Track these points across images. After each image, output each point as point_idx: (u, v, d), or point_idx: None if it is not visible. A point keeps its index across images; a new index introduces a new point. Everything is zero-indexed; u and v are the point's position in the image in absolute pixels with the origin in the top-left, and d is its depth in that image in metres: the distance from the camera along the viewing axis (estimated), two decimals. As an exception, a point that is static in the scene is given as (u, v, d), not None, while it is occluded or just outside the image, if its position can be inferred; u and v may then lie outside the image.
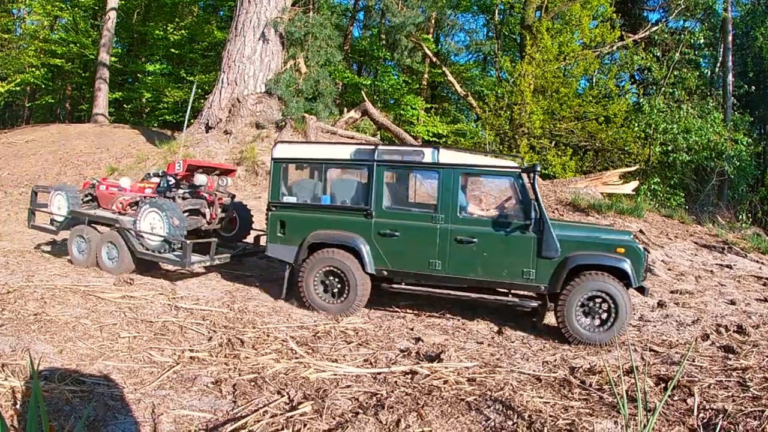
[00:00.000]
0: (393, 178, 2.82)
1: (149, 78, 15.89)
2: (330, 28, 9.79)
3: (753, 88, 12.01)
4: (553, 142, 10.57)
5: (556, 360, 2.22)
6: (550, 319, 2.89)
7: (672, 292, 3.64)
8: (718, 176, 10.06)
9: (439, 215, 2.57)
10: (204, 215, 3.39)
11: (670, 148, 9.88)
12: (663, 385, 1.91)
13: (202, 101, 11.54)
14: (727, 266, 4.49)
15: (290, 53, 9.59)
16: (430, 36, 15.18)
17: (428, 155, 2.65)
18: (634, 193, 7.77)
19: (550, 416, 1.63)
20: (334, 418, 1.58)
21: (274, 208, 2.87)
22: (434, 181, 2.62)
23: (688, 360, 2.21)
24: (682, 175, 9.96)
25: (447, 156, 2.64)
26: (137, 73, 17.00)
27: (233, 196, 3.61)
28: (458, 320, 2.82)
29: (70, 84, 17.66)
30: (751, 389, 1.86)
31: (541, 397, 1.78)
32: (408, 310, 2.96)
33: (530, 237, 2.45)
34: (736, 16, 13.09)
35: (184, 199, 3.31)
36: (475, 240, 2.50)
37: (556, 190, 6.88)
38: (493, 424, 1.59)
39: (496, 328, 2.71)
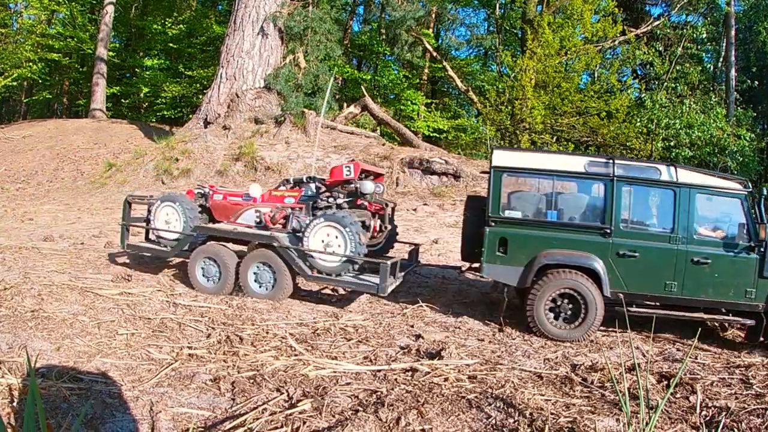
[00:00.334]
0: (630, 194, 2.61)
1: (147, 73, 15.80)
2: (329, 22, 9.70)
3: (756, 83, 11.92)
4: (555, 138, 10.51)
5: (557, 357, 2.20)
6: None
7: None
8: (721, 172, 10.01)
9: (677, 236, 2.50)
10: (368, 228, 2.91)
11: (672, 143, 9.83)
12: (665, 382, 1.90)
13: (200, 96, 11.48)
14: None
15: (289, 48, 9.52)
16: (430, 31, 15.06)
17: (665, 173, 2.56)
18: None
19: (552, 414, 1.61)
20: (333, 416, 1.56)
21: (493, 224, 2.61)
22: (670, 199, 2.53)
23: (690, 357, 2.20)
24: (685, 170, 9.91)
25: (684, 174, 2.57)
26: (135, 67, 16.91)
27: (394, 206, 3.07)
28: (459, 317, 2.80)
29: (67, 79, 17.57)
30: (754, 387, 1.85)
31: (543, 395, 1.76)
32: (408, 306, 2.94)
33: (754, 258, 2.46)
34: (739, 11, 12.95)
35: (340, 209, 2.83)
36: (708, 261, 2.47)
37: (557, 186, 6.82)
38: (494, 421, 1.57)
39: (497, 326, 2.70)
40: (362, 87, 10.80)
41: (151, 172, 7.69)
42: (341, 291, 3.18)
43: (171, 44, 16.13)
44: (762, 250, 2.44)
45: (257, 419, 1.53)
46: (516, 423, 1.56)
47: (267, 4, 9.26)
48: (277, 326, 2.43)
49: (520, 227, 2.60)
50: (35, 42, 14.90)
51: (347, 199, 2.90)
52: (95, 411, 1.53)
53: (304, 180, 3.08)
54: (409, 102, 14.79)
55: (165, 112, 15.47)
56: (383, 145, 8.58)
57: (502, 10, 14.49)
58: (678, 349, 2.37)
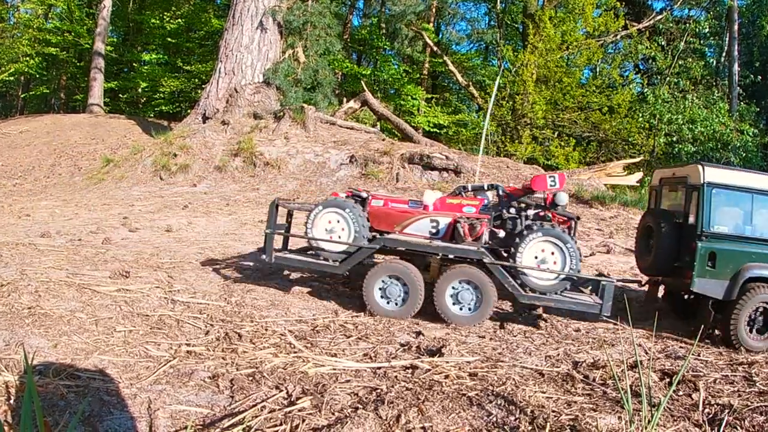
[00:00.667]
0: None
1: (145, 67, 15.71)
2: (329, 16, 9.62)
3: (759, 77, 11.84)
4: (556, 133, 10.47)
5: (558, 354, 2.19)
6: (549, 313, 2.85)
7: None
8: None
9: None
10: None
11: (675, 138, 9.79)
12: (668, 379, 1.89)
13: (199, 91, 11.40)
14: None
15: (289, 42, 9.44)
16: (430, 25, 14.94)
17: None
18: (638, 184, 7.72)
19: (553, 411, 1.60)
20: (333, 414, 1.55)
21: (704, 238, 2.60)
22: None
23: (693, 354, 2.18)
24: (687, 166, 9.90)
25: None
26: (133, 62, 16.79)
27: (578, 218, 2.82)
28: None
29: (64, 74, 17.47)
30: (757, 384, 1.84)
31: (544, 392, 1.75)
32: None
33: None
34: (741, 5, 12.83)
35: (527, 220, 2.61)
36: None
37: (558, 182, 6.78)
38: (495, 419, 1.56)
39: (497, 323, 2.69)
40: (362, 82, 10.72)
41: (149, 167, 7.65)
42: (341, 288, 3.16)
43: (169, 39, 16.01)
44: None
45: (256, 417, 1.52)
46: (517, 421, 1.55)
47: (266, -2, 9.17)
48: (277, 323, 2.42)
49: (727, 242, 2.62)
50: (32, 36, 14.79)
51: (536, 211, 2.68)
52: (93, 409, 1.52)
53: (485, 188, 2.82)
54: (410, 97, 14.71)
55: (163, 107, 15.40)
56: (383, 140, 8.54)
57: (503, 5, 14.36)
58: (680, 346, 2.36)
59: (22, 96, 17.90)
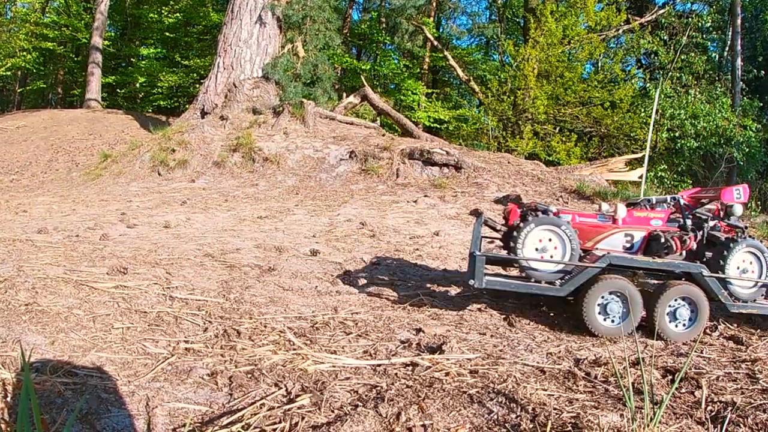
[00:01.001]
0: None
1: (143, 62, 15.62)
2: (329, 11, 9.54)
3: (762, 72, 11.77)
4: (558, 128, 10.42)
5: (560, 352, 2.17)
6: (550, 311, 2.84)
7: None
8: (727, 163, 9.96)
9: None
10: None
11: (677, 134, 9.75)
12: (670, 377, 1.87)
13: (197, 86, 11.32)
14: None
15: (288, 37, 9.37)
16: (431, 19, 14.82)
17: None
18: (640, 180, 7.70)
19: (554, 409, 1.58)
20: (332, 411, 1.54)
21: None
22: None
23: (695, 351, 2.17)
24: (690, 161, 9.88)
25: None
26: (131, 57, 16.69)
27: (746, 228, 2.72)
28: (460, 311, 2.77)
29: (62, 68, 17.38)
30: (760, 381, 1.82)
31: (545, 390, 1.73)
32: (408, 299, 2.91)
33: None
34: (745, -1, 12.71)
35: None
36: None
37: (560, 177, 6.78)
38: (495, 417, 1.54)
39: (499, 319, 2.67)
40: (362, 77, 10.65)
41: (147, 163, 7.61)
42: (340, 284, 3.15)
43: (167, 33, 15.91)
44: None
45: (255, 414, 1.50)
46: (518, 418, 1.53)
47: (265, -8, 9.08)
48: (276, 320, 2.40)
49: None
50: (29, 31, 14.71)
51: (716, 222, 2.63)
52: (90, 406, 1.51)
53: (668, 200, 2.73)
54: (410, 92, 14.64)
55: (161, 102, 15.34)
56: (383, 135, 8.49)
57: (505, -1, 14.23)
58: (683, 343, 2.34)
59: (18, 91, 17.81)
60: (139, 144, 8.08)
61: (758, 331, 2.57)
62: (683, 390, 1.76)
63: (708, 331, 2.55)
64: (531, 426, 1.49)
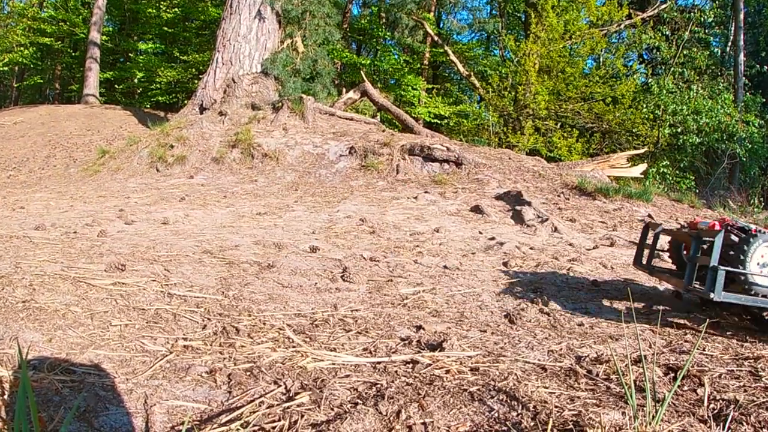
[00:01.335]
0: None
1: (141, 57, 15.53)
2: (328, 5, 9.46)
3: (765, 67, 11.68)
4: (559, 124, 10.38)
5: (561, 349, 2.16)
6: (551, 307, 2.83)
7: (678, 277, 3.56)
8: (729, 159, 9.92)
9: None
10: None
11: (679, 129, 9.71)
12: (672, 374, 1.86)
13: (196, 81, 11.24)
14: None
15: (287, 32, 9.31)
16: (431, 14, 14.72)
17: None
18: (642, 176, 7.67)
19: (556, 407, 1.57)
20: (332, 409, 1.52)
21: None
22: None
23: (698, 349, 2.15)
24: (692, 157, 9.83)
25: None
26: (129, 52, 16.59)
27: None
28: (461, 308, 2.76)
29: (59, 64, 17.28)
30: (763, 379, 1.81)
31: (547, 387, 1.72)
32: (409, 296, 2.90)
33: None
34: (748, -6, 12.60)
35: None
36: None
37: (561, 173, 6.75)
38: (496, 414, 1.53)
39: (500, 317, 2.66)
40: (362, 72, 10.57)
41: (146, 159, 7.58)
42: (340, 281, 3.13)
43: (166, 28, 15.80)
44: None
45: (254, 412, 1.49)
46: (519, 416, 1.52)
47: (264, -14, 8.99)
48: (275, 317, 2.38)
49: None
50: (26, 26, 14.60)
51: None
52: (88, 404, 1.49)
53: None
54: (410, 87, 14.57)
55: (160, 98, 15.27)
56: (383, 131, 8.45)
57: (506, -7, 14.11)
58: (686, 341, 2.33)
59: (16, 86, 17.72)
60: (137, 140, 8.03)
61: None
62: (685, 388, 1.75)
63: (711, 327, 2.53)
64: (532, 424, 1.48)
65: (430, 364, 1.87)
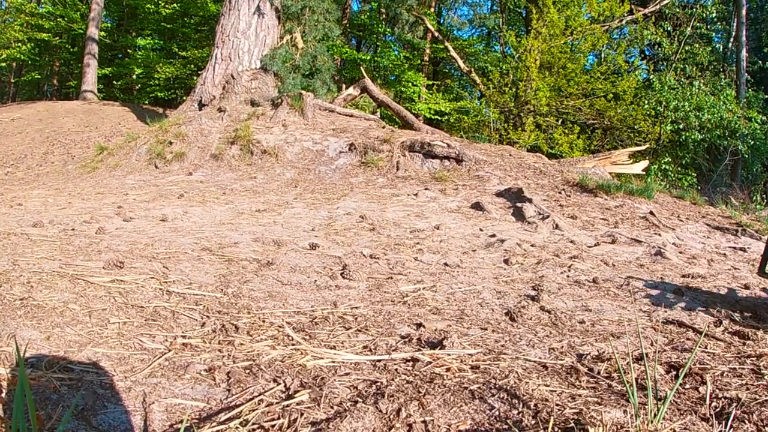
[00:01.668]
0: None
1: (140, 53, 15.44)
2: (328, 1, 9.39)
3: (767, 64, 11.60)
4: (560, 120, 10.33)
5: (562, 347, 2.15)
6: (552, 305, 2.81)
7: (683, 276, 3.56)
8: (732, 155, 9.88)
9: None
10: None
11: (681, 126, 9.67)
12: (674, 372, 1.85)
13: (194, 78, 11.18)
14: (740, 249, 4.41)
15: (287, 28, 9.24)
16: (431, 10, 14.63)
17: None
18: (644, 173, 7.64)
19: (557, 405, 1.56)
20: (332, 407, 1.51)
21: None
22: None
23: (700, 347, 2.14)
24: (694, 154, 9.80)
25: None
26: (127, 48, 16.51)
27: None
28: (461, 305, 2.74)
29: (57, 59, 17.19)
30: (765, 377, 1.80)
31: (548, 386, 1.71)
32: (409, 293, 2.88)
33: None
34: (750, -11, 12.50)
35: None
36: None
37: (563, 170, 6.72)
38: (497, 413, 1.52)
39: (500, 314, 2.65)
40: (361, 68, 10.51)
41: (144, 155, 7.55)
42: (340, 279, 3.12)
43: (164, 24, 15.69)
44: None
45: (253, 411, 1.48)
46: (520, 414, 1.51)
47: (262, -19, 8.92)
48: (274, 315, 2.37)
49: None
50: (24, 22, 14.51)
51: None
52: (86, 402, 1.48)
53: None
54: (410, 83, 14.50)
55: (158, 94, 15.21)
56: (383, 127, 8.41)
57: (506, -12, 14.00)
58: (687, 339, 2.32)
59: (13, 82, 17.65)
60: (135, 136, 8.00)
61: (763, 325, 2.54)
62: (687, 386, 1.74)
63: (713, 326, 2.52)
64: (533, 422, 1.47)
65: (431, 362, 1.86)
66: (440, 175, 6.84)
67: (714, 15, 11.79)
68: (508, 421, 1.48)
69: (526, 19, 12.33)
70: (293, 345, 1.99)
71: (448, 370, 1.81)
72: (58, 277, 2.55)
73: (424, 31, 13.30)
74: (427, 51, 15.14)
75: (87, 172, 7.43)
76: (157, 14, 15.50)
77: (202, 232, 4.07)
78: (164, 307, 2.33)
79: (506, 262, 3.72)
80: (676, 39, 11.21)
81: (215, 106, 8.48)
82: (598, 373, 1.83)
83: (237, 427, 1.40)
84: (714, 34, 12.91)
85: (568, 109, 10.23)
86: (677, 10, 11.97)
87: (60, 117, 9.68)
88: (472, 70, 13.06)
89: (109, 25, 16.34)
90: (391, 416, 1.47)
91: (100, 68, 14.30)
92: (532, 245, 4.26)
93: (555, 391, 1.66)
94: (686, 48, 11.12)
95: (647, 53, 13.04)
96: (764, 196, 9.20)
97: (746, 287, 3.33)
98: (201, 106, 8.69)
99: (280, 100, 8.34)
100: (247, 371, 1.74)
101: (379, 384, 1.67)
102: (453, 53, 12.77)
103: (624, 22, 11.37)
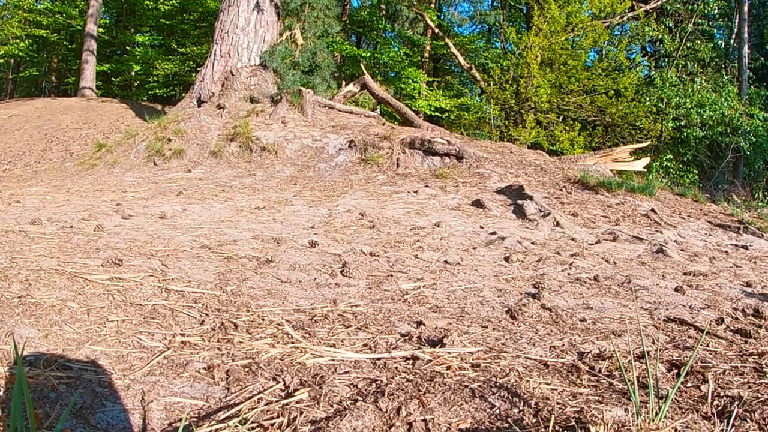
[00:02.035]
0: None
1: (138, 50, 15.37)
2: (327, -4, 9.31)
3: (769, 60, 11.54)
4: (561, 117, 10.29)
5: (563, 345, 2.14)
6: (553, 303, 2.80)
7: (685, 273, 3.55)
8: (734, 153, 9.85)
9: None
10: None
11: (683, 123, 9.63)
12: (676, 371, 1.84)
13: (193, 74, 11.13)
14: (742, 247, 4.40)
15: (286, 24, 9.19)
16: (432, 6, 14.54)
17: None
18: (645, 170, 7.61)
19: (558, 404, 1.55)
20: (331, 406, 1.50)
21: None
22: None
23: (701, 345, 2.13)
24: (696, 151, 9.76)
25: None
26: (126, 44, 16.43)
27: None
28: (461, 303, 2.73)
29: (55, 56, 17.12)
30: (767, 375, 1.79)
31: (548, 384, 1.70)
32: (409, 291, 2.87)
33: None
34: (753, -15, 12.41)
35: None
36: None
37: (564, 167, 6.70)
38: (498, 411, 1.51)
39: (501, 312, 2.64)
40: (361, 65, 10.46)
41: (143, 152, 7.52)
42: (339, 276, 3.11)
43: (163, 20, 15.61)
44: None
45: (252, 409, 1.47)
46: (521, 413, 1.50)
47: (261, -23, 8.86)
48: (273, 312, 2.36)
49: None
50: (22, 18, 14.43)
51: None
52: (85, 400, 1.47)
53: None
54: (410, 80, 14.44)
55: (157, 91, 15.16)
56: (383, 124, 8.38)
57: (507, -16, 13.92)
58: (689, 337, 2.31)
59: (11, 78, 17.58)
60: (134, 133, 7.96)
61: (765, 323, 2.53)
62: (689, 384, 1.73)
63: (714, 324, 2.51)
64: (534, 421, 1.46)
65: (431, 360, 1.85)
66: (440, 172, 6.82)
67: (716, 11, 11.71)
68: (509, 419, 1.47)
69: (526, 15, 12.26)
70: (293, 343, 1.98)
71: (448, 368, 1.80)
72: (56, 275, 2.54)
73: (424, 27, 13.22)
74: (428, 47, 15.06)
75: (85, 169, 7.41)
76: (156, 10, 15.40)
77: (201, 230, 4.05)
78: (163, 305, 2.31)
79: (507, 259, 3.70)
80: (677, 35, 11.14)
81: (214, 102, 8.44)
82: (600, 371, 1.82)
83: (236, 426, 1.40)
84: (716, 30, 12.83)
85: (569, 105, 10.18)
86: (679, 6, 11.89)
87: (58, 114, 9.64)
88: (473, 66, 12.99)
89: (107, 21, 16.25)
90: (391, 415, 1.47)
91: (99, 65, 14.23)
92: (532, 243, 4.24)
93: (556, 389, 1.66)
94: (688, 44, 11.05)
95: (648, 50, 12.97)
96: (766, 193, 9.17)
97: (748, 285, 3.32)
98: (200, 102, 8.65)
99: (279, 97, 8.30)
100: (247, 369, 1.73)
101: (379, 382, 1.66)
102: (453, 50, 12.70)
103: (625, 18, 11.30)
